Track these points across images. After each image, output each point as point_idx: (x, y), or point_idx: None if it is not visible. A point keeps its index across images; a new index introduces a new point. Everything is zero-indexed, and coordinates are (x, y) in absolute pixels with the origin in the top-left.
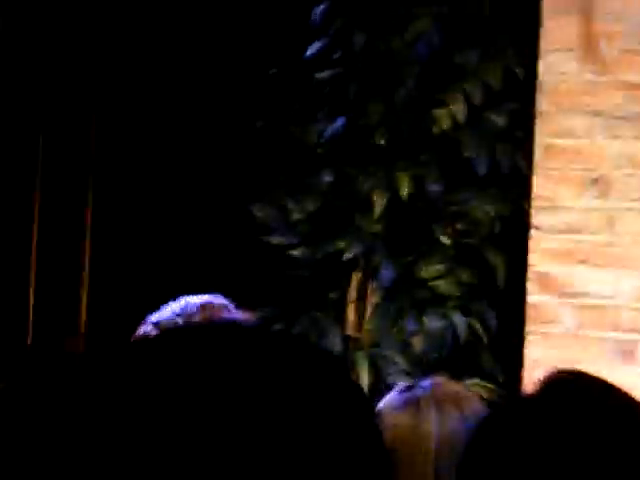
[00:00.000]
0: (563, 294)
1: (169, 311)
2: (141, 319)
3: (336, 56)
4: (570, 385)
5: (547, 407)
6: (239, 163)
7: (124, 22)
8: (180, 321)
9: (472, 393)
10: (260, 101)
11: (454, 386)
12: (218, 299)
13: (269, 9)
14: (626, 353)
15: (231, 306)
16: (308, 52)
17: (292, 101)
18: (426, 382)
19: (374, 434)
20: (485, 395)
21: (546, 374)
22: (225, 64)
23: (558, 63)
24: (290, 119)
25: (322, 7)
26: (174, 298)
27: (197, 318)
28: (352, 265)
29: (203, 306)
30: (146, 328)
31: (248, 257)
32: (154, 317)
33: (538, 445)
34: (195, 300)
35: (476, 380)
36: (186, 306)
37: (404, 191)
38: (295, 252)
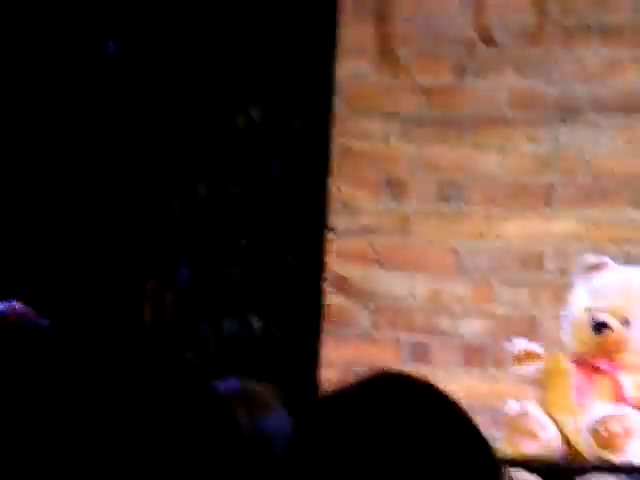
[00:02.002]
0: (358, 295)
1: None
2: None
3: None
4: (390, 382)
5: (368, 402)
6: None
7: None
8: None
9: (272, 394)
10: None
11: (256, 387)
12: (16, 306)
13: None
14: (420, 354)
15: (30, 314)
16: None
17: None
18: (230, 383)
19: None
20: (281, 396)
21: (368, 372)
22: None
23: (354, 66)
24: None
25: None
26: None
27: None
28: (149, 267)
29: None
30: None
31: (50, 261)
32: None
33: (359, 439)
34: None
35: (272, 382)
36: None
37: (202, 192)
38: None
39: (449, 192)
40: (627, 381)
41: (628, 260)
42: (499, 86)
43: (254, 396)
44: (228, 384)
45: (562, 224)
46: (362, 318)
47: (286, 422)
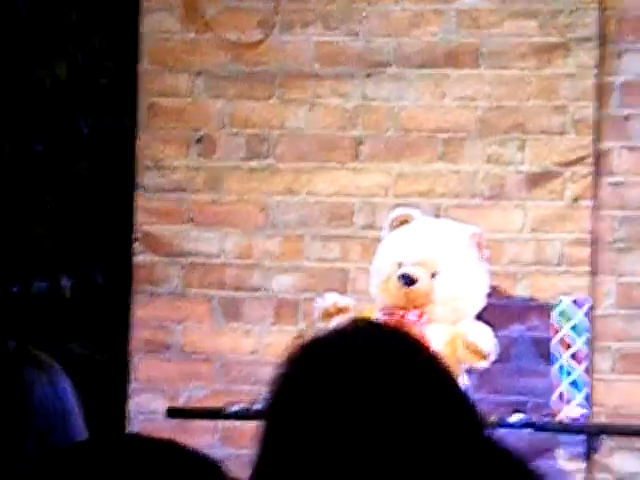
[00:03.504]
0: (169, 253)
1: None
2: None
3: None
4: (364, 329)
5: (343, 347)
6: None
7: None
8: None
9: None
10: None
11: (37, 353)
12: None
13: None
14: (231, 311)
15: None
16: None
17: None
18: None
19: None
20: (92, 356)
21: (343, 322)
22: None
23: (160, 22)
24: None
25: None
26: None
27: None
28: None
29: None
30: None
31: None
32: None
33: (342, 381)
34: None
35: (83, 342)
36: None
37: (6, 150)
38: None
39: (258, 148)
40: (434, 332)
41: (436, 213)
42: (306, 41)
43: (46, 364)
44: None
45: (371, 178)
46: (173, 276)
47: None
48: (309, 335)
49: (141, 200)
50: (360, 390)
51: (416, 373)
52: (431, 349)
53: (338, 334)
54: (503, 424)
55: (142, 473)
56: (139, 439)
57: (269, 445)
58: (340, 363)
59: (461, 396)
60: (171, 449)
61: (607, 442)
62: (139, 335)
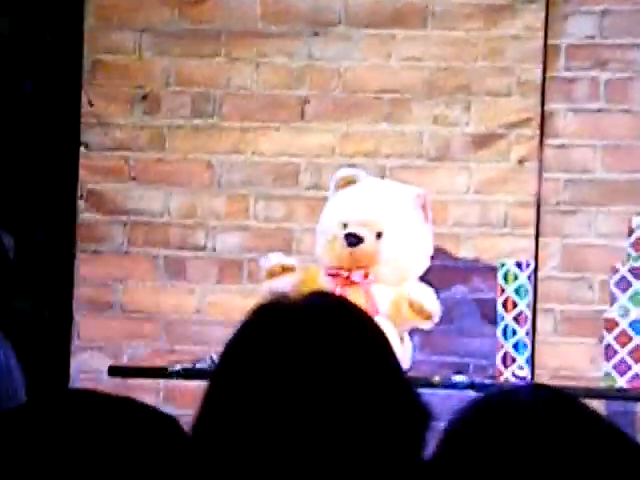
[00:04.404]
0: (113, 211)
1: None
2: None
3: None
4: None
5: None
6: None
7: None
8: None
9: None
10: None
11: None
12: None
13: None
14: (176, 270)
15: None
16: None
17: None
18: None
19: None
20: (33, 314)
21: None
22: None
23: None
24: None
25: None
26: None
27: None
28: None
29: None
30: None
31: None
32: None
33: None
34: None
35: (25, 300)
36: None
37: None
38: None
39: (203, 106)
40: (379, 292)
41: (382, 174)
42: None
43: None
44: None
45: (316, 138)
46: (117, 234)
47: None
48: (265, 299)
49: (85, 158)
50: (304, 358)
51: (357, 346)
52: (375, 323)
53: (293, 303)
54: (446, 385)
55: (100, 429)
56: (95, 395)
57: (210, 405)
58: (289, 332)
59: (395, 366)
60: (127, 404)
61: None
62: (82, 293)
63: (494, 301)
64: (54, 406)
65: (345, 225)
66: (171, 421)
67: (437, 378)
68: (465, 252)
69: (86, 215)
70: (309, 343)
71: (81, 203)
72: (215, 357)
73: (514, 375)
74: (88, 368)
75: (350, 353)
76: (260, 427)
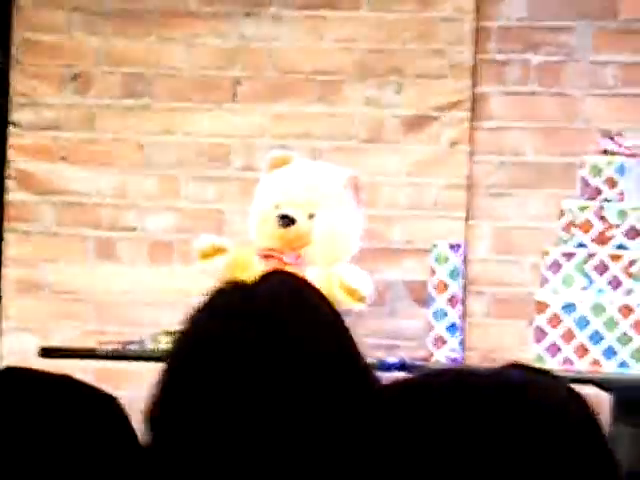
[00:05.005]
0: (43, 191)
1: None
2: None
3: None
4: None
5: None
6: None
7: None
8: None
9: None
10: None
11: None
12: None
13: None
14: (105, 250)
15: None
16: None
17: None
18: None
19: None
20: None
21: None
22: None
23: None
24: None
25: None
26: None
27: None
28: None
29: None
30: None
31: None
32: None
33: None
34: None
35: None
36: None
37: None
38: None
39: (134, 86)
40: (311, 273)
41: (313, 155)
42: None
43: None
44: None
45: (248, 119)
46: (46, 214)
47: None
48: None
49: (15, 137)
50: (261, 337)
51: (318, 329)
52: (332, 305)
53: (252, 286)
54: (378, 367)
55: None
56: (32, 371)
57: (170, 389)
58: (245, 314)
59: (354, 349)
60: (66, 382)
61: None
62: (11, 274)
63: (426, 283)
64: None
65: (277, 206)
66: (109, 399)
67: (369, 360)
68: (397, 234)
69: (15, 195)
70: (270, 326)
71: (10, 182)
72: (146, 338)
73: (446, 357)
74: (17, 349)
75: (311, 337)
76: (219, 414)
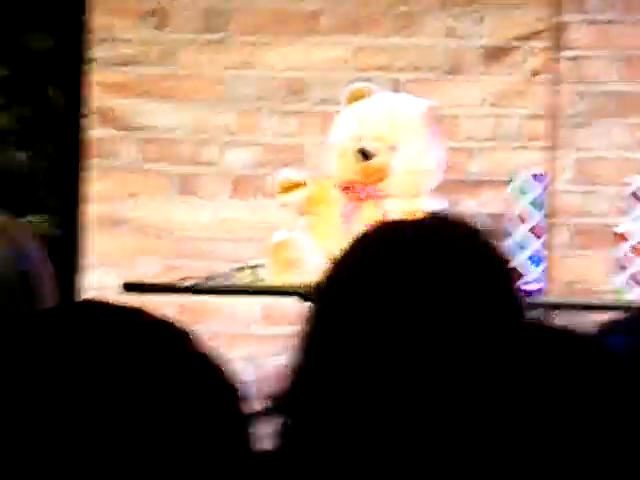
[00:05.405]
0: (123, 127)
1: None
2: None
3: None
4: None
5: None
6: None
7: None
8: None
9: (22, 225)
10: None
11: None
12: None
13: None
14: (187, 185)
15: None
16: None
17: None
18: None
19: None
20: (45, 230)
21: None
22: None
23: None
24: None
25: None
26: None
27: None
28: None
29: None
30: None
31: None
32: None
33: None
34: None
35: (37, 216)
36: None
37: None
38: None
39: (213, 21)
40: (391, 206)
41: (393, 87)
42: None
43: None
44: None
45: (327, 52)
46: (129, 150)
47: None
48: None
49: (94, 73)
50: (417, 280)
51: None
52: (490, 242)
53: (410, 225)
54: None
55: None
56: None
57: (319, 327)
58: (402, 255)
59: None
60: (135, 315)
61: (562, 317)
62: (92, 210)
63: (504, 215)
64: (62, 315)
65: (357, 139)
66: (184, 334)
67: None
68: (477, 166)
69: (96, 131)
70: (431, 267)
71: (91, 119)
72: (228, 272)
73: (527, 288)
74: (99, 285)
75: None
76: (374, 351)
